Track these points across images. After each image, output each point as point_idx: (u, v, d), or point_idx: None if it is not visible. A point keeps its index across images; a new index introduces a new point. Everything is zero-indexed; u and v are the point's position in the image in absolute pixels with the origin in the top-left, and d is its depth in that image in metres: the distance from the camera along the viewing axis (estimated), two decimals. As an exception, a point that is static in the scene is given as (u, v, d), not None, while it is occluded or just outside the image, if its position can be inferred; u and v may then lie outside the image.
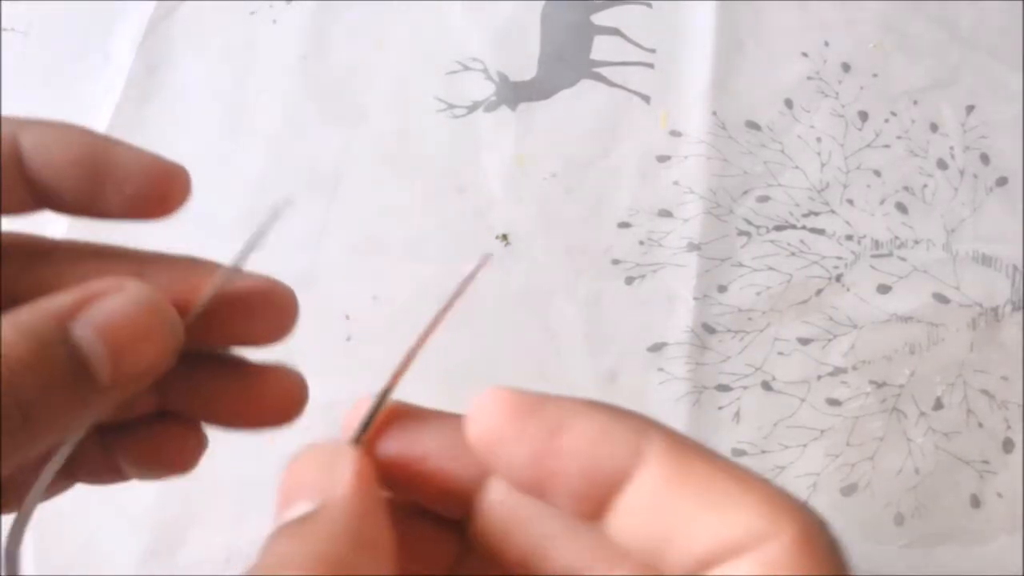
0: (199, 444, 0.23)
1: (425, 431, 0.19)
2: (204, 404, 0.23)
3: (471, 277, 0.20)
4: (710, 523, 0.16)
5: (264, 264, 0.49)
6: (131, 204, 0.22)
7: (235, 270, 0.23)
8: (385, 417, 0.20)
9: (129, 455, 0.23)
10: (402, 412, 0.20)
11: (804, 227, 0.46)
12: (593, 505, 0.17)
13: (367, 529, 0.17)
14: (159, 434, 0.23)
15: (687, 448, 0.17)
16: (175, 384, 0.22)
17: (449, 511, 0.19)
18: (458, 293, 0.21)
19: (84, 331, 0.18)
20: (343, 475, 0.17)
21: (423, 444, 0.19)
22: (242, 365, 0.23)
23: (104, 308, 0.19)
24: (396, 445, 0.19)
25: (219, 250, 0.50)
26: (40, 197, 0.22)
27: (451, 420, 0.19)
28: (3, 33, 0.52)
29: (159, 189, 0.22)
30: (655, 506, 0.16)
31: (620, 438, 0.17)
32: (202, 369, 0.23)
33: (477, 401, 0.18)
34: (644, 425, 0.17)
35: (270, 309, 0.24)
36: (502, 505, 0.18)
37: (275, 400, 0.23)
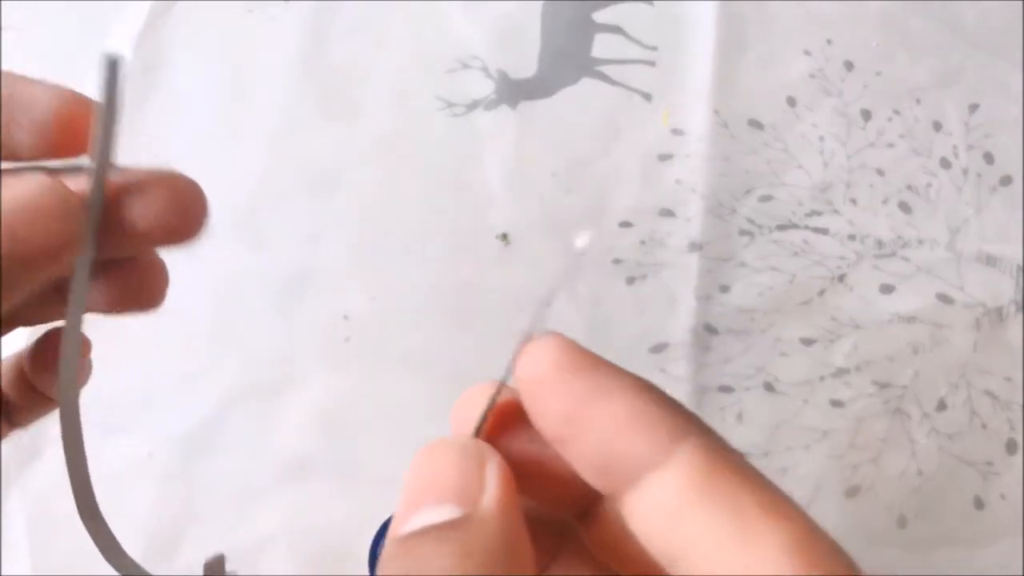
0: (164, 280, 0.23)
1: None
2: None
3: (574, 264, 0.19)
4: (731, 552, 0.15)
5: (263, 264, 0.49)
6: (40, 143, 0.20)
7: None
8: (498, 410, 0.19)
9: (97, 291, 0.22)
10: (513, 405, 0.18)
11: (807, 227, 0.46)
12: (609, 484, 0.16)
13: (516, 541, 0.16)
14: (127, 270, 0.22)
15: (723, 461, 0.16)
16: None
17: (564, 511, 0.18)
18: (565, 277, 0.19)
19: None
20: (491, 481, 0.16)
21: (541, 440, 0.18)
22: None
23: (11, 183, 0.18)
24: (516, 440, 0.18)
25: (217, 250, 0.50)
26: None
27: (617, 377, 0.18)
28: (1, 31, 0.51)
29: (70, 133, 0.21)
30: (674, 514, 0.15)
31: (653, 429, 0.16)
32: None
33: (534, 343, 0.17)
34: (686, 424, 0.16)
35: (172, 200, 0.22)
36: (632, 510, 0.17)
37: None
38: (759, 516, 0.15)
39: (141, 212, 0.21)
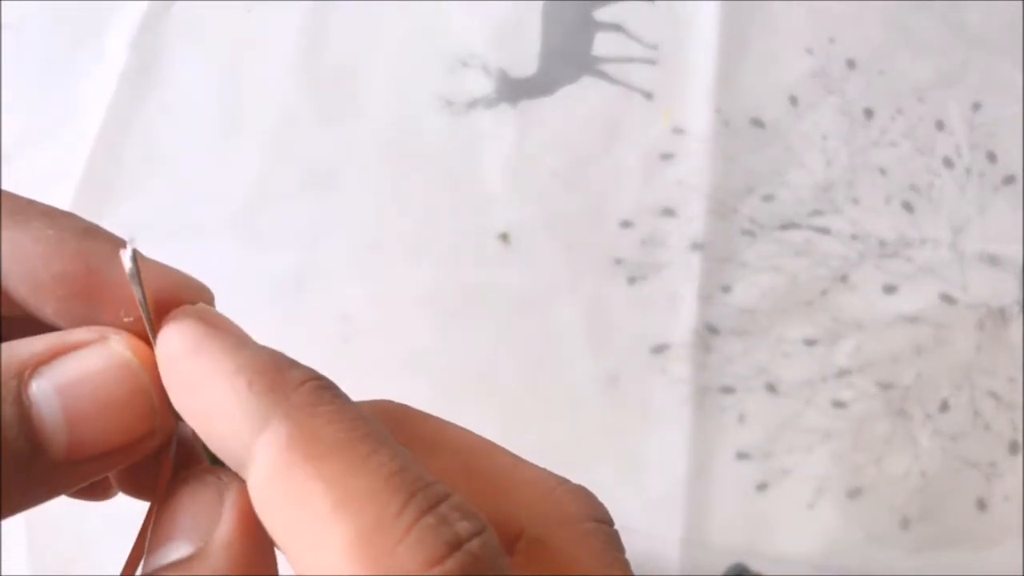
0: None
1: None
2: None
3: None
4: (300, 558, 0.14)
5: (262, 264, 0.49)
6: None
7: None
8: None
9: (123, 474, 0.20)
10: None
11: (809, 226, 0.46)
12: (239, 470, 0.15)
13: (252, 568, 0.15)
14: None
15: (304, 451, 0.14)
16: None
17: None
18: None
19: (41, 386, 0.15)
20: (228, 511, 0.15)
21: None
22: None
23: (72, 363, 0.15)
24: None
25: (216, 249, 0.50)
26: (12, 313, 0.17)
27: (228, 355, 0.16)
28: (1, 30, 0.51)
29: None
30: (261, 512, 0.15)
31: (239, 419, 0.14)
32: None
33: (175, 315, 0.16)
34: (275, 408, 0.14)
35: None
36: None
37: None
38: (325, 517, 0.14)
39: None
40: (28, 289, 0.17)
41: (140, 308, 0.16)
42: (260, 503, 0.14)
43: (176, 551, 0.15)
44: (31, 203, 0.17)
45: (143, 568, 0.15)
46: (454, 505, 0.14)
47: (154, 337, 0.16)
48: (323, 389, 0.15)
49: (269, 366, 0.15)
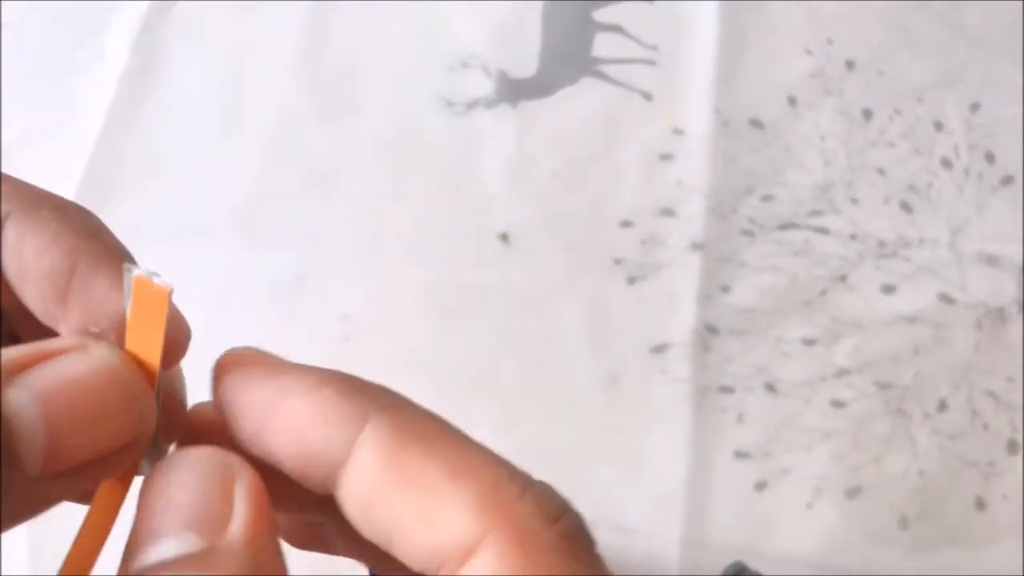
0: None
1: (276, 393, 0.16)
2: None
3: None
4: (425, 527, 0.14)
5: (262, 263, 0.49)
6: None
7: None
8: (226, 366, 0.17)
9: None
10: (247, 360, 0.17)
11: (808, 226, 0.46)
12: (318, 487, 0.16)
13: (268, 569, 0.14)
14: None
15: (409, 435, 0.15)
16: None
17: (312, 485, 0.16)
18: None
19: (19, 396, 0.14)
20: (241, 504, 0.14)
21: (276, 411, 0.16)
22: None
23: (53, 370, 0.14)
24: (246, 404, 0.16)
25: (216, 249, 0.50)
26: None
27: (302, 376, 0.16)
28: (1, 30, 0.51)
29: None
30: (369, 502, 0.15)
31: (334, 421, 0.15)
32: None
33: (222, 360, 0.16)
34: (369, 405, 0.15)
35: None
36: (364, 482, 0.15)
37: None
38: (445, 484, 0.14)
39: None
40: (16, 276, 0.17)
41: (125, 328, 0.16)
42: (371, 489, 0.15)
43: (182, 544, 0.14)
44: (47, 195, 0.18)
45: (133, 561, 0.14)
46: (541, 481, 0.15)
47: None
48: (398, 393, 0.16)
49: (345, 375, 0.16)
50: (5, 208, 0.17)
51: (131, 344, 0.16)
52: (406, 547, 0.15)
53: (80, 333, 0.16)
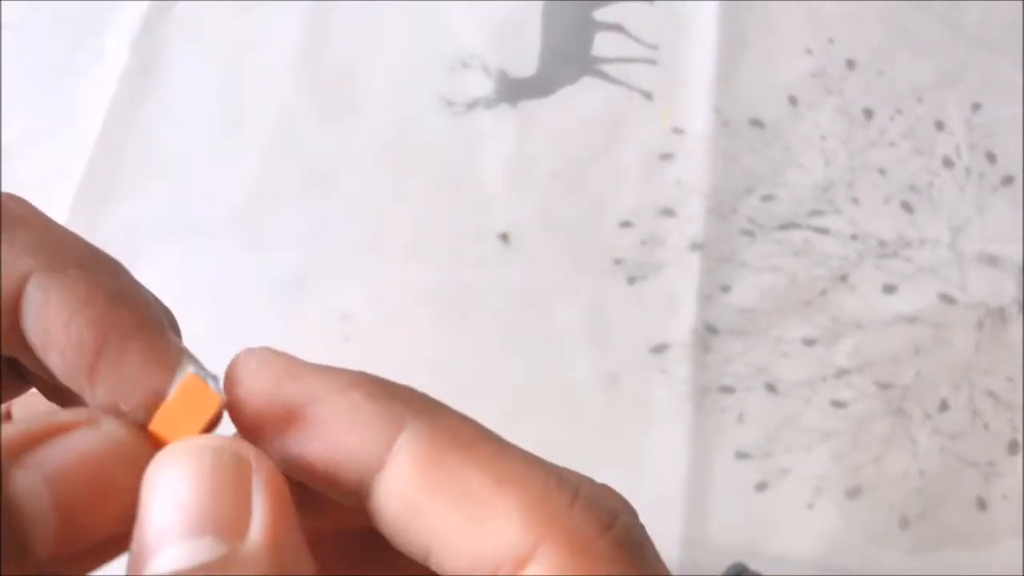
0: None
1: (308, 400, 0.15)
2: None
3: None
4: (469, 535, 0.14)
5: (262, 263, 0.49)
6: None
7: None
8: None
9: None
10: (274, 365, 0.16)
11: (808, 226, 0.46)
12: (350, 496, 0.15)
13: (299, 570, 0.13)
14: None
15: (448, 441, 0.14)
16: None
17: (346, 497, 0.15)
18: None
19: (27, 477, 0.13)
20: (260, 501, 0.13)
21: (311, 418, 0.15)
22: None
23: (62, 449, 0.14)
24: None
25: (216, 249, 0.50)
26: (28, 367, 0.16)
27: (328, 379, 0.15)
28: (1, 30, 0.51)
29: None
30: (408, 510, 0.14)
31: (368, 425, 0.14)
32: None
33: (238, 361, 0.15)
34: (404, 410, 0.15)
35: None
36: (402, 489, 0.15)
37: None
38: (487, 490, 0.14)
39: None
40: (40, 342, 0.15)
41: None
42: (409, 498, 0.14)
43: (195, 550, 0.13)
44: (72, 244, 0.16)
45: (144, 564, 0.13)
46: (594, 484, 0.15)
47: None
48: (429, 396, 0.16)
49: (373, 377, 0.15)
50: (27, 265, 0.15)
51: (159, 426, 0.15)
52: (447, 558, 0.14)
53: (107, 410, 0.15)
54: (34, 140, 0.48)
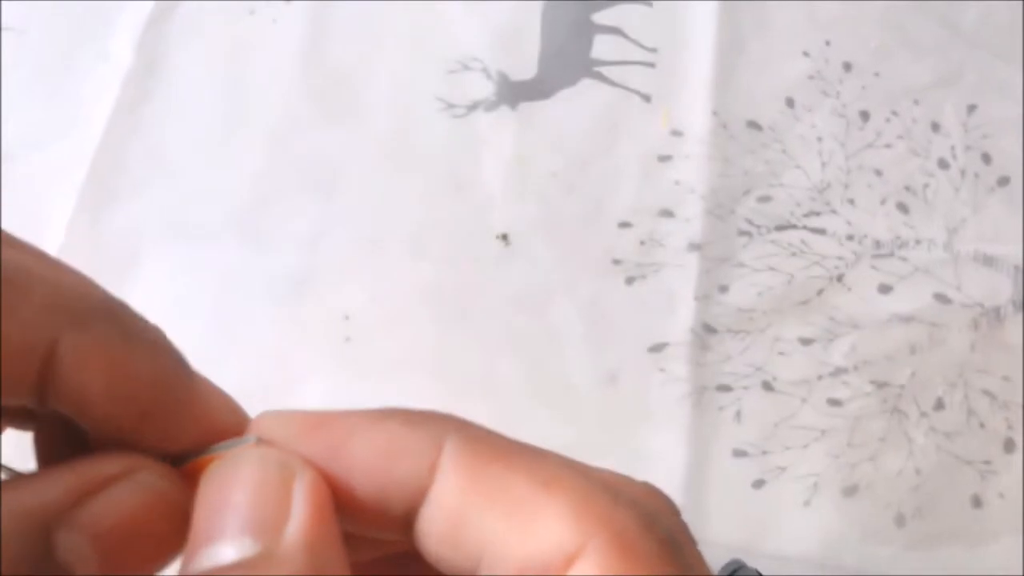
0: None
1: (346, 437, 0.16)
2: None
3: None
4: (517, 539, 0.14)
5: (263, 264, 0.49)
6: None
7: None
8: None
9: None
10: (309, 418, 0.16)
11: (805, 227, 0.46)
12: (395, 526, 0.15)
13: (327, 571, 0.14)
14: None
15: (487, 452, 0.15)
16: None
17: (391, 529, 0.16)
18: None
19: (73, 540, 0.13)
20: (299, 505, 0.14)
21: (349, 452, 0.15)
22: None
23: (104, 507, 0.14)
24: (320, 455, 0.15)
25: (217, 250, 0.50)
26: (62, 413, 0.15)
27: (359, 416, 0.16)
28: (1, 32, 0.51)
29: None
30: (457, 522, 0.15)
31: (411, 450, 0.15)
32: None
33: (263, 416, 0.16)
34: (441, 430, 0.15)
35: None
36: (447, 508, 0.15)
37: None
38: (533, 495, 0.14)
39: None
40: (75, 406, 0.15)
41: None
42: (458, 509, 0.15)
43: (237, 548, 0.13)
44: (87, 295, 0.15)
45: (189, 564, 0.14)
46: (635, 483, 0.15)
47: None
48: (457, 416, 0.16)
49: (402, 408, 0.16)
50: (52, 329, 0.14)
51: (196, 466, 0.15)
52: (498, 562, 0.14)
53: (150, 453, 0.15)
54: (38, 141, 0.49)
